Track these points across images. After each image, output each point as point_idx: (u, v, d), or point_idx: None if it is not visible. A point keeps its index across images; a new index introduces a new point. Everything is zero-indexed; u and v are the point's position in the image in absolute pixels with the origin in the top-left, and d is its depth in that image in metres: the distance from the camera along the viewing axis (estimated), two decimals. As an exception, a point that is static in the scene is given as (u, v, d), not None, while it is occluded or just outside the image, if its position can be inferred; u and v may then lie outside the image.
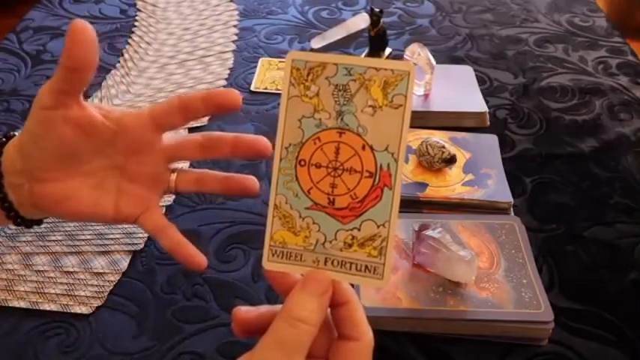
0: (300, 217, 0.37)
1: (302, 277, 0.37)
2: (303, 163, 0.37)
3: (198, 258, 0.50)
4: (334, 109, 0.36)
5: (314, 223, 0.37)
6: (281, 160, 0.37)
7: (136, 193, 0.49)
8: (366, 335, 0.37)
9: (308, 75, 0.37)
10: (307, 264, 0.37)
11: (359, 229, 0.37)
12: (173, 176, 0.50)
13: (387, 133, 0.36)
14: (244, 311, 0.39)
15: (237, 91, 0.46)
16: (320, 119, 0.37)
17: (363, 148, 0.36)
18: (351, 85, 0.36)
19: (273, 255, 0.38)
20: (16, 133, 0.49)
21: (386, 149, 0.36)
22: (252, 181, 0.49)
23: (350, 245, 0.37)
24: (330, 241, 0.37)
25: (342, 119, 0.36)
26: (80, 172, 0.48)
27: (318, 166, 0.37)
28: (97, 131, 0.46)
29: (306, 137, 0.37)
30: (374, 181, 0.36)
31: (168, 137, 0.49)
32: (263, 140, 0.47)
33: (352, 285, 0.38)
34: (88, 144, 0.46)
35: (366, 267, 0.37)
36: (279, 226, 0.37)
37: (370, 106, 0.36)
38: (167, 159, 0.50)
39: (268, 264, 0.38)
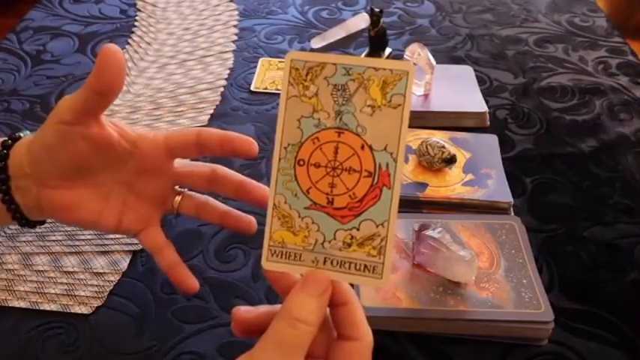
0: (300, 216, 0.37)
1: (301, 277, 0.37)
2: (302, 162, 0.37)
3: (190, 281, 0.51)
4: (333, 109, 0.36)
5: (313, 222, 0.37)
6: (280, 160, 0.37)
7: (139, 210, 0.50)
8: (366, 336, 0.37)
9: (307, 75, 0.37)
10: (306, 264, 0.37)
11: (358, 229, 0.36)
12: (178, 199, 0.53)
13: (385, 133, 0.36)
14: (244, 311, 0.40)
15: (254, 142, 0.48)
16: (319, 119, 0.37)
17: (362, 147, 0.36)
18: (349, 85, 0.36)
19: (272, 255, 0.38)
20: (21, 135, 0.49)
21: (385, 149, 0.36)
22: (250, 222, 0.51)
23: (349, 245, 0.37)
24: (330, 241, 0.37)
25: (340, 119, 0.36)
26: (89, 182, 0.48)
27: (317, 165, 0.37)
28: (112, 150, 0.47)
29: (305, 137, 0.37)
30: (373, 180, 0.36)
31: (180, 163, 0.51)
32: (263, 192, 0.49)
33: (352, 285, 0.38)
34: (101, 160, 0.47)
35: (366, 267, 0.37)
36: (279, 225, 0.37)
37: (369, 105, 0.36)
38: (175, 183, 0.51)
39: (267, 264, 0.38)
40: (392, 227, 0.36)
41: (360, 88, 0.36)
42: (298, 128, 0.37)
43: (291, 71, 0.37)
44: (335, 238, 0.37)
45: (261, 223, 0.38)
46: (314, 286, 0.36)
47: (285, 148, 0.37)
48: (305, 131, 0.37)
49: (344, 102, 0.36)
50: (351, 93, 0.36)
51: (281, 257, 0.38)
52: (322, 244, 0.37)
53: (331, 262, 0.37)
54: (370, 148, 0.36)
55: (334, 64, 0.36)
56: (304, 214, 0.37)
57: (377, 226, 0.36)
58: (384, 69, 0.36)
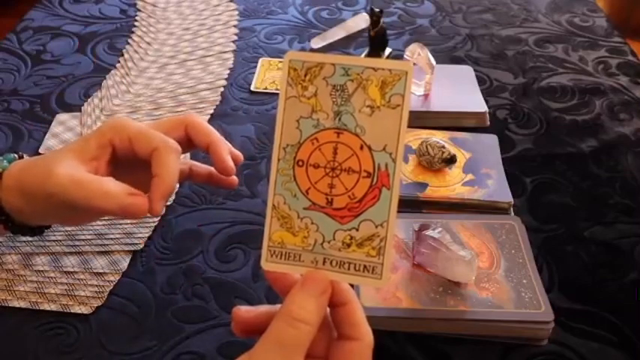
0: (299, 217, 0.37)
1: (301, 277, 0.37)
2: (301, 163, 0.37)
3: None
4: (332, 110, 0.36)
5: (312, 223, 0.37)
6: (279, 160, 0.37)
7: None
8: (366, 335, 0.37)
9: (305, 75, 0.37)
10: (306, 264, 0.37)
11: (357, 229, 0.36)
12: None
13: (384, 133, 0.36)
14: (244, 311, 0.40)
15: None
16: (318, 119, 0.37)
17: (361, 148, 0.36)
18: (348, 85, 0.36)
19: (271, 255, 0.38)
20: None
21: (384, 149, 0.36)
22: (233, 179, 0.54)
23: (348, 245, 0.37)
24: (329, 242, 0.37)
25: (339, 119, 0.36)
26: None
27: (316, 166, 0.37)
28: None
29: (304, 138, 0.37)
30: (372, 181, 0.36)
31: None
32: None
33: (352, 285, 0.38)
34: None
35: (365, 267, 0.37)
36: (278, 226, 0.37)
37: (368, 106, 0.36)
38: None
39: (267, 264, 0.38)
40: (391, 227, 0.36)
41: (359, 89, 0.36)
42: (297, 129, 0.37)
43: (289, 71, 0.37)
44: (334, 239, 0.37)
45: (262, 224, 0.38)
46: (313, 286, 0.36)
47: (284, 148, 0.37)
48: (304, 132, 0.37)
49: (343, 102, 0.36)
50: (350, 93, 0.36)
51: (280, 258, 0.37)
52: (322, 244, 0.37)
53: (330, 263, 0.37)
54: (369, 148, 0.36)
55: (333, 64, 0.36)
56: (303, 215, 0.37)
57: (376, 227, 0.36)
58: (383, 69, 0.36)
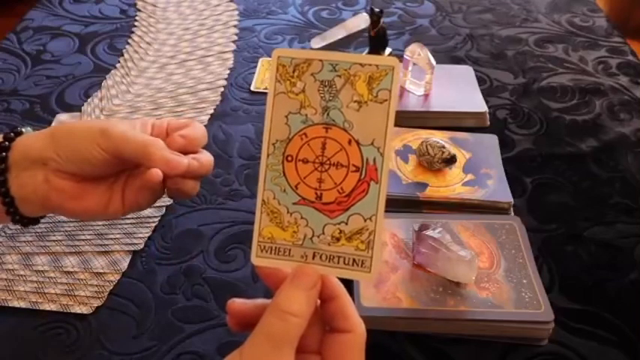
0: (288, 212, 0.38)
1: (291, 271, 0.37)
2: (290, 158, 0.37)
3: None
4: (320, 105, 0.37)
5: (302, 218, 0.37)
6: (268, 156, 0.38)
7: (136, 185, 0.50)
8: (358, 327, 0.37)
9: (294, 71, 0.37)
10: (296, 259, 0.38)
11: (346, 223, 0.37)
12: None
13: (372, 128, 0.36)
14: (239, 303, 0.39)
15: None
16: (306, 115, 0.37)
17: (349, 142, 0.37)
18: (336, 81, 0.37)
19: (261, 250, 0.38)
20: (24, 130, 0.50)
21: (372, 144, 0.36)
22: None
23: (338, 239, 0.37)
24: (318, 236, 0.37)
25: (328, 115, 0.37)
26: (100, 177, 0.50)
27: (305, 161, 0.37)
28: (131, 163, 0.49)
29: (293, 133, 0.37)
30: (360, 175, 0.37)
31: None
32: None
33: (344, 280, 0.38)
34: (119, 168, 0.50)
35: (354, 260, 0.37)
36: (268, 221, 0.38)
37: (356, 101, 0.36)
38: None
39: (257, 259, 0.38)
40: (380, 221, 0.36)
41: (347, 84, 0.37)
42: (286, 124, 0.37)
43: (278, 68, 0.37)
44: (324, 233, 0.37)
45: (251, 221, 0.38)
46: (303, 280, 0.36)
47: (273, 144, 0.38)
48: (293, 127, 0.37)
49: (331, 98, 0.37)
50: (338, 89, 0.37)
51: (270, 253, 0.38)
52: (311, 238, 0.37)
53: (320, 257, 0.37)
54: (357, 143, 0.37)
55: (321, 60, 0.37)
56: (293, 210, 0.37)
57: (365, 220, 0.37)
58: (370, 65, 0.36)
